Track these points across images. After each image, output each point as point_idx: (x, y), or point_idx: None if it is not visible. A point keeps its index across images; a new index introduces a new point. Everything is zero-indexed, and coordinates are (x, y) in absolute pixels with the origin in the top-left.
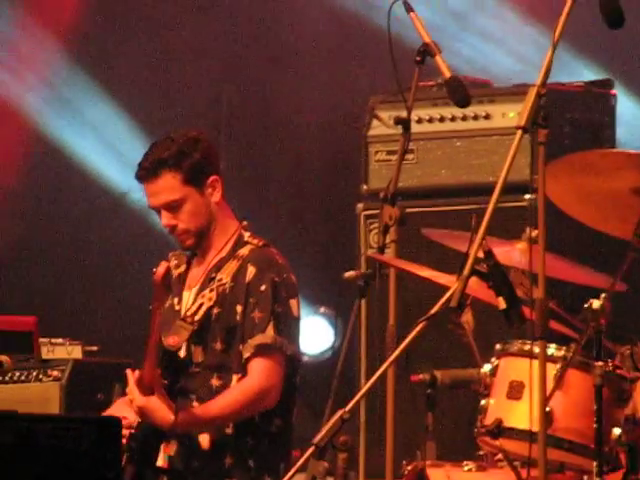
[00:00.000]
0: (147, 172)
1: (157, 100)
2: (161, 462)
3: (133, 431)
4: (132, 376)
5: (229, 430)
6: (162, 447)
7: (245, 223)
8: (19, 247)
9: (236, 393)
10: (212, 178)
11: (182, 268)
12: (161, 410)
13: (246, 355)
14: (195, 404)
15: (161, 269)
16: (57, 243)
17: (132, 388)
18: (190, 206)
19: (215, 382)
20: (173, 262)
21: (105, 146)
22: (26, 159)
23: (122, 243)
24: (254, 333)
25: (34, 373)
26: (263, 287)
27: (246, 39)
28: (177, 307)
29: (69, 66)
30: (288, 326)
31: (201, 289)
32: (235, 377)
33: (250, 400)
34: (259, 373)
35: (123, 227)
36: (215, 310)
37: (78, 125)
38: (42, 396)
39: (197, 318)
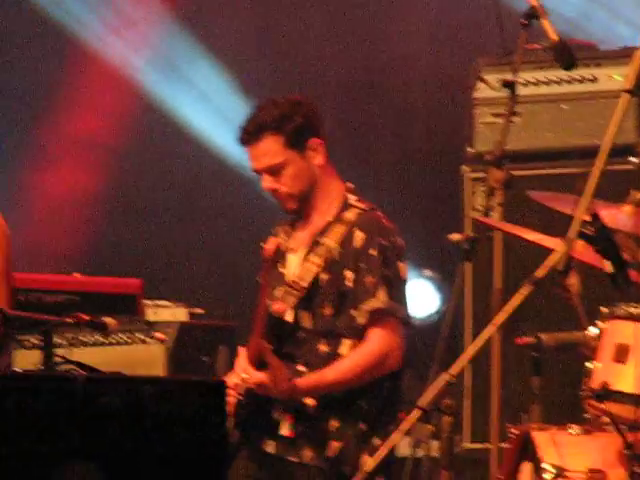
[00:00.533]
0: (249, 136)
1: (262, 61)
2: (287, 431)
3: (240, 398)
4: (244, 354)
5: (335, 394)
6: (286, 417)
7: (350, 185)
8: (125, 210)
9: (356, 358)
10: (314, 141)
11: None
12: (279, 381)
13: (361, 321)
14: (301, 369)
15: (271, 245)
16: (164, 205)
17: (245, 367)
18: (292, 170)
19: (323, 348)
20: (282, 236)
21: (210, 108)
22: (131, 121)
23: (228, 206)
24: (366, 298)
25: (139, 335)
26: (372, 252)
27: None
28: (281, 270)
29: (173, 27)
30: (398, 290)
31: (307, 254)
32: (345, 342)
33: (370, 365)
34: (377, 338)
35: (229, 190)
36: (323, 275)
37: (182, 87)
38: (147, 358)
39: (305, 284)
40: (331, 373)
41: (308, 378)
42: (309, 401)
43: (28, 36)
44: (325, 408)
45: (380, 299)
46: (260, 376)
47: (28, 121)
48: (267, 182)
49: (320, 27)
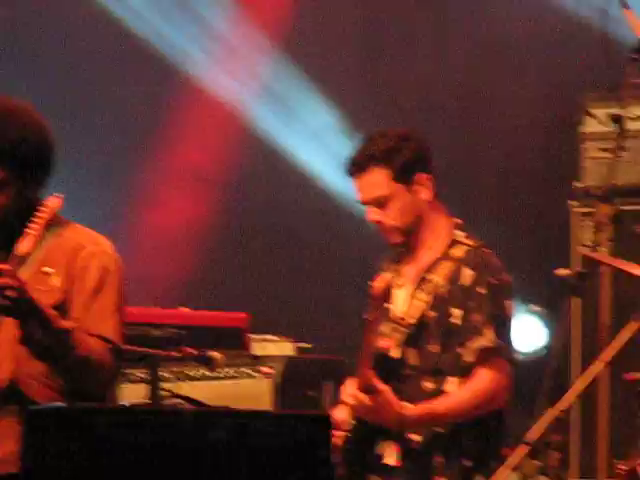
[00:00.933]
0: (357, 167)
1: (368, 96)
2: (393, 460)
3: (347, 433)
4: (352, 382)
5: (441, 429)
6: (391, 446)
7: (458, 221)
8: (233, 244)
9: (466, 394)
10: (422, 176)
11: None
12: (390, 406)
13: (469, 359)
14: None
15: (380, 284)
16: (271, 240)
17: (353, 392)
18: (397, 203)
19: (428, 385)
20: (388, 273)
21: (316, 142)
22: (237, 155)
23: (335, 240)
24: (474, 336)
25: (245, 369)
26: (481, 290)
27: (457, 33)
28: (387, 306)
29: (280, 61)
30: (505, 328)
31: (414, 290)
32: (450, 379)
33: (479, 402)
34: (486, 376)
35: (336, 225)
36: (430, 312)
37: (289, 120)
38: (253, 392)
39: (412, 321)
40: (440, 405)
41: (417, 407)
42: (414, 436)
43: (133, 71)
44: (430, 443)
45: (488, 338)
46: (370, 400)
47: (134, 155)
48: (372, 214)
49: (427, 64)
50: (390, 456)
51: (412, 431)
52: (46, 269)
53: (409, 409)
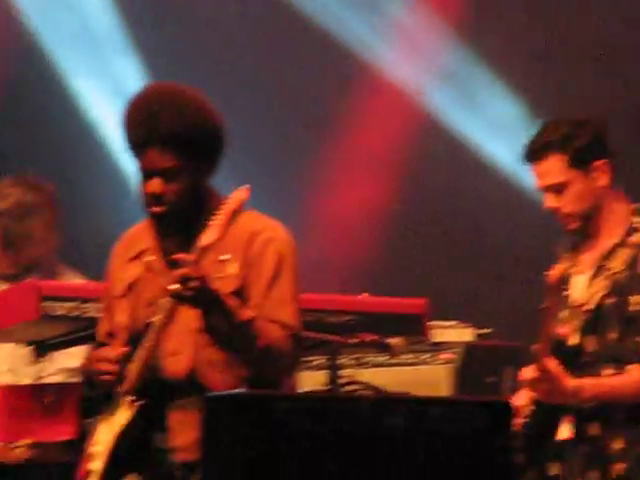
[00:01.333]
0: (533, 154)
1: (552, 84)
2: (566, 434)
3: (526, 420)
4: (529, 370)
5: (620, 415)
6: (565, 420)
7: (637, 207)
8: (414, 230)
9: None
10: (599, 162)
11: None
12: (563, 380)
13: None
14: None
15: (556, 272)
16: (452, 228)
17: (530, 369)
18: (574, 190)
19: (607, 372)
20: (565, 260)
21: (500, 131)
22: (419, 142)
23: (517, 230)
24: None
25: (424, 356)
26: None
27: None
28: (565, 293)
29: (462, 49)
30: None
31: (593, 277)
32: (630, 368)
33: None
34: None
35: (519, 214)
36: (609, 299)
37: (471, 108)
38: (432, 378)
39: (591, 307)
40: (616, 380)
41: (591, 379)
42: (593, 425)
43: (314, 60)
44: (609, 429)
45: None
46: (544, 378)
47: (314, 140)
48: (549, 201)
49: (612, 50)
50: (565, 431)
51: (590, 417)
52: (223, 257)
53: (582, 381)
